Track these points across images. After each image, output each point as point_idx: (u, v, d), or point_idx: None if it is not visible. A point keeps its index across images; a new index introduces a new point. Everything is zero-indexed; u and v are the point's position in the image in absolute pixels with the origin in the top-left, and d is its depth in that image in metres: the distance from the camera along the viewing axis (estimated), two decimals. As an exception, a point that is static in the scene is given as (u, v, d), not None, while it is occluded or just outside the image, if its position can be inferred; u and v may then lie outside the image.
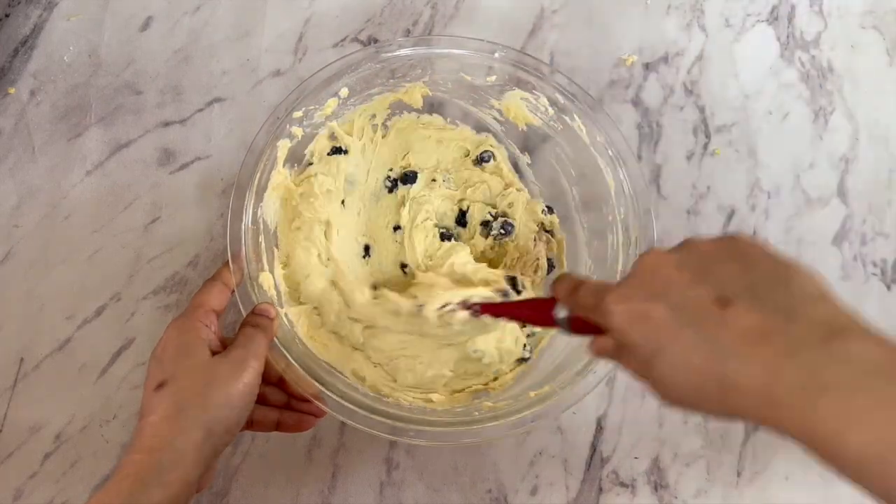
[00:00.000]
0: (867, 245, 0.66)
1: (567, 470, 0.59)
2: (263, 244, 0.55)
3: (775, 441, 0.60)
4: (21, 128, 0.64)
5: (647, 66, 0.68)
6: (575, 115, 0.57)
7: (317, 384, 0.50)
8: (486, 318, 0.52)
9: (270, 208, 0.56)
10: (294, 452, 0.58)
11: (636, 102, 0.67)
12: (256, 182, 0.54)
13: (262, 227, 0.55)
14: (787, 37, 0.70)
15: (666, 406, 0.38)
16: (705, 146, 0.67)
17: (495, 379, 0.58)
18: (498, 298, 0.53)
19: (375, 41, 0.68)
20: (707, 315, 0.34)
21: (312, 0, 0.68)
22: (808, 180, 0.67)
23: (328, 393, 0.50)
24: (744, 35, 0.70)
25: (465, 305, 0.52)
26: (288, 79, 0.66)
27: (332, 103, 0.57)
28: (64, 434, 0.58)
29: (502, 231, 0.61)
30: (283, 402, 0.52)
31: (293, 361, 0.50)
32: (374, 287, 0.58)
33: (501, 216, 0.62)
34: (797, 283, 0.34)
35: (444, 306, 0.53)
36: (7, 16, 0.67)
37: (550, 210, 0.63)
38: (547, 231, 0.63)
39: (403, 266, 0.62)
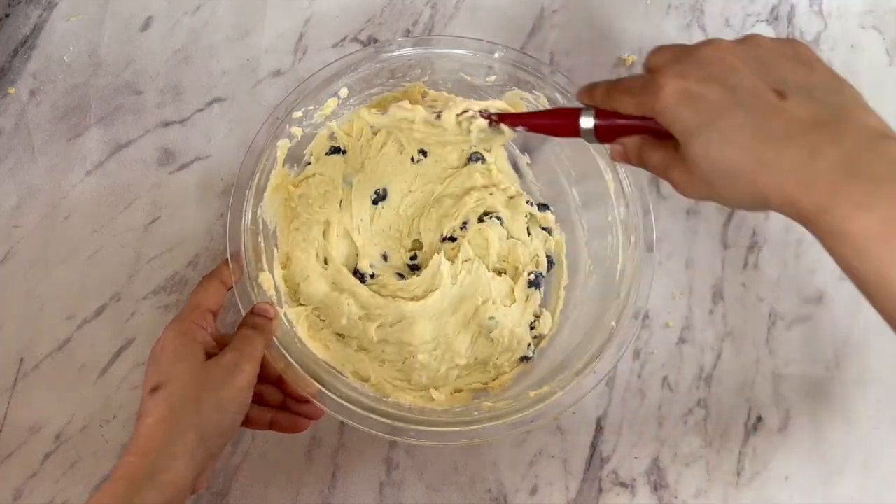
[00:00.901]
0: (867, 245, 0.66)
1: (567, 470, 0.59)
2: (263, 244, 0.55)
3: (775, 441, 0.60)
4: (21, 128, 0.64)
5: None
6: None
7: (316, 384, 0.50)
8: (505, 128, 0.50)
9: (270, 208, 0.56)
10: (294, 452, 0.58)
11: (636, 102, 0.67)
12: (256, 182, 0.54)
13: (261, 226, 0.55)
14: (787, 37, 0.70)
15: (686, 194, 0.40)
16: (705, 146, 0.67)
17: (495, 379, 0.58)
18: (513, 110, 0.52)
19: (375, 41, 0.68)
20: (763, 101, 0.36)
21: (312, 0, 0.68)
22: (808, 180, 0.67)
23: (328, 392, 0.50)
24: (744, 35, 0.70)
25: (484, 114, 0.51)
26: (288, 79, 0.66)
27: (331, 103, 0.57)
28: (64, 434, 0.58)
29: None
30: (279, 402, 0.52)
31: (292, 361, 0.50)
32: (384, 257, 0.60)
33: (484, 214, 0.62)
34: (851, 93, 0.37)
35: (463, 112, 0.51)
36: (7, 16, 0.67)
37: (546, 207, 0.63)
38: (544, 228, 0.63)
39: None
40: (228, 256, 0.51)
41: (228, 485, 0.57)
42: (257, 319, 0.50)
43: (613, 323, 0.52)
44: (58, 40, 0.66)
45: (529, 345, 0.58)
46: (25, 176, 0.63)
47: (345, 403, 0.49)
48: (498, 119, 0.50)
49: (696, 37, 0.69)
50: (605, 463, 0.59)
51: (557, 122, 0.46)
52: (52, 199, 0.62)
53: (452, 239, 0.61)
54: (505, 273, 0.61)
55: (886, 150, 0.33)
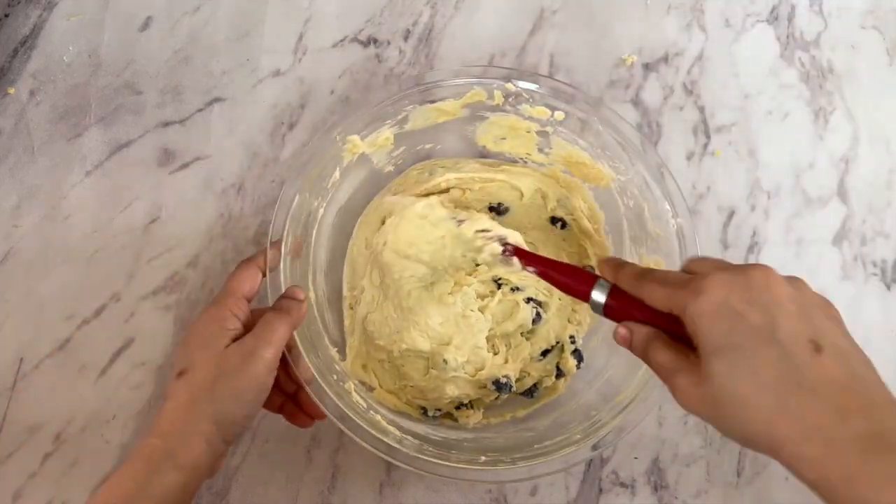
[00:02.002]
0: (867, 245, 0.65)
1: (567, 470, 0.58)
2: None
3: (775, 441, 0.60)
4: (21, 128, 0.64)
5: (646, 66, 0.68)
6: (633, 161, 0.56)
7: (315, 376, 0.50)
8: (516, 262, 0.50)
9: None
10: (294, 452, 0.58)
11: (636, 102, 0.67)
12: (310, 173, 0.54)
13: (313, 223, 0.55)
14: (787, 37, 0.70)
15: (686, 405, 0.38)
16: (705, 146, 0.67)
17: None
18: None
19: (375, 41, 0.68)
20: (800, 347, 0.36)
21: (312, 0, 0.68)
22: (808, 180, 0.67)
23: (328, 391, 0.50)
24: (744, 35, 0.70)
25: (503, 241, 0.51)
26: (288, 79, 0.66)
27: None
28: (64, 434, 0.58)
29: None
30: (291, 392, 0.52)
31: (311, 368, 0.50)
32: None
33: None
34: (874, 369, 0.37)
35: (484, 230, 0.52)
36: (7, 16, 0.67)
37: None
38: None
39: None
40: (269, 242, 0.51)
41: (228, 485, 0.57)
42: (285, 302, 0.50)
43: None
44: (58, 40, 0.66)
45: (506, 377, 0.58)
46: (25, 176, 0.63)
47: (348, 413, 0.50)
48: (513, 252, 0.50)
49: (696, 37, 0.69)
50: (605, 463, 0.59)
51: (569, 283, 0.46)
52: (52, 199, 0.62)
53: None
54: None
55: None
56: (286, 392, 0.52)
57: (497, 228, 0.52)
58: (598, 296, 0.43)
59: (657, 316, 0.41)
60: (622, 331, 0.42)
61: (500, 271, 0.54)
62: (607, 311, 0.43)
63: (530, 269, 0.49)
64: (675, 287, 0.39)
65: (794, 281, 0.39)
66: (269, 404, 0.51)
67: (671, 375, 0.39)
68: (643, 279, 0.42)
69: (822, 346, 0.36)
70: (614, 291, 0.43)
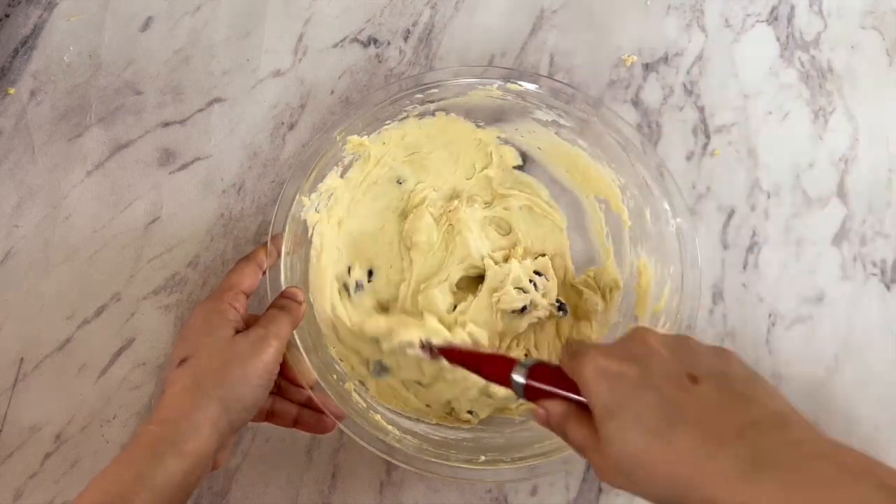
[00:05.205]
0: (867, 245, 0.66)
1: (567, 470, 0.58)
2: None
3: (775, 441, 0.60)
4: (21, 128, 0.64)
5: (646, 67, 0.68)
6: (633, 161, 0.56)
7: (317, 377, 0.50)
8: (443, 362, 0.51)
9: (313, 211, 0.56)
10: (294, 452, 0.58)
11: (636, 102, 0.67)
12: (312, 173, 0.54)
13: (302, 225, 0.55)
14: (787, 37, 0.70)
15: (604, 481, 0.38)
16: (705, 146, 0.67)
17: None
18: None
19: (375, 41, 0.68)
20: (674, 383, 0.35)
21: (312, 0, 0.68)
22: (808, 180, 0.67)
23: (328, 392, 0.50)
24: (744, 35, 0.70)
25: (425, 345, 0.52)
26: (288, 79, 0.66)
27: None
28: (64, 434, 0.58)
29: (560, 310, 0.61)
30: (304, 399, 0.52)
31: (321, 383, 0.50)
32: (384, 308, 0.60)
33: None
34: (762, 383, 0.36)
35: (401, 344, 0.53)
36: (7, 16, 0.67)
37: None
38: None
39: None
40: (269, 239, 0.52)
41: (228, 485, 0.57)
42: (285, 301, 0.50)
43: None
44: (58, 40, 0.66)
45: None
46: (25, 176, 0.63)
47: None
48: (439, 352, 0.51)
49: (695, 37, 0.69)
50: (605, 463, 0.59)
51: (491, 370, 0.46)
52: (53, 200, 0.62)
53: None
54: None
55: (787, 436, 0.32)
56: (297, 401, 0.52)
57: (415, 336, 0.53)
58: (518, 377, 0.43)
59: (571, 396, 0.40)
60: (539, 411, 0.41)
61: (439, 366, 0.55)
62: (527, 392, 0.42)
63: (457, 366, 0.51)
64: (573, 355, 0.39)
65: (677, 335, 0.39)
66: (281, 420, 0.51)
67: (586, 452, 0.39)
68: (563, 350, 0.42)
69: (697, 375, 0.35)
70: (533, 374, 0.42)
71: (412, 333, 0.53)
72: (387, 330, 0.54)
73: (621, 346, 0.38)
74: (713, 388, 0.35)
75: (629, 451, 0.35)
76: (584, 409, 0.39)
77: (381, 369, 0.57)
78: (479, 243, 0.60)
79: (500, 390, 0.56)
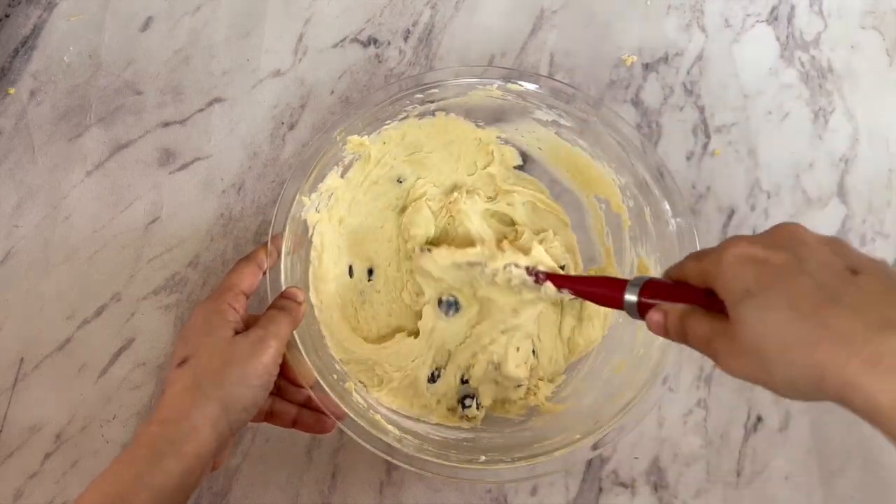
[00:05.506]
0: (867, 245, 0.66)
1: (567, 470, 0.59)
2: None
3: (775, 441, 0.60)
4: (21, 128, 0.64)
5: (646, 67, 0.68)
6: (633, 161, 0.56)
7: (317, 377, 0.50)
8: (549, 287, 0.52)
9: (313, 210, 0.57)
10: (294, 452, 0.58)
11: (636, 102, 0.67)
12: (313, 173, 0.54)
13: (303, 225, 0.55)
14: (787, 37, 0.70)
15: (727, 368, 0.36)
16: (705, 146, 0.67)
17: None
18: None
19: (375, 41, 0.68)
20: (834, 271, 0.33)
21: (312, 0, 0.68)
22: (808, 180, 0.67)
23: (328, 392, 0.50)
24: (744, 35, 0.70)
25: (531, 271, 0.53)
26: (288, 79, 0.66)
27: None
28: (64, 434, 0.58)
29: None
30: (303, 399, 0.52)
31: (321, 383, 0.50)
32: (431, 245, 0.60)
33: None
34: None
35: (508, 265, 0.54)
36: (7, 16, 0.67)
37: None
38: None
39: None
40: (269, 239, 0.52)
41: (228, 485, 0.57)
42: (285, 302, 0.50)
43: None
44: (58, 40, 0.66)
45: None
46: (25, 176, 0.63)
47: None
48: (545, 278, 0.52)
49: (695, 37, 0.69)
50: (605, 463, 0.59)
51: (602, 292, 0.46)
52: (53, 200, 0.62)
53: None
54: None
55: None
56: (297, 402, 0.52)
57: (521, 259, 0.54)
58: (631, 297, 0.42)
59: (691, 299, 0.40)
60: (655, 316, 0.40)
61: (538, 296, 0.54)
62: (641, 308, 0.42)
63: (564, 291, 0.51)
64: (703, 258, 0.38)
65: (828, 235, 0.37)
66: (280, 420, 0.51)
67: (710, 343, 0.37)
68: (683, 261, 0.41)
69: (859, 269, 0.33)
70: (644, 292, 0.42)
71: (519, 258, 0.54)
72: (491, 253, 0.55)
73: (766, 237, 0.36)
74: (876, 280, 0.33)
75: (770, 330, 0.33)
76: (706, 308, 0.38)
77: (451, 306, 0.58)
78: (481, 231, 0.60)
79: (510, 371, 0.57)
